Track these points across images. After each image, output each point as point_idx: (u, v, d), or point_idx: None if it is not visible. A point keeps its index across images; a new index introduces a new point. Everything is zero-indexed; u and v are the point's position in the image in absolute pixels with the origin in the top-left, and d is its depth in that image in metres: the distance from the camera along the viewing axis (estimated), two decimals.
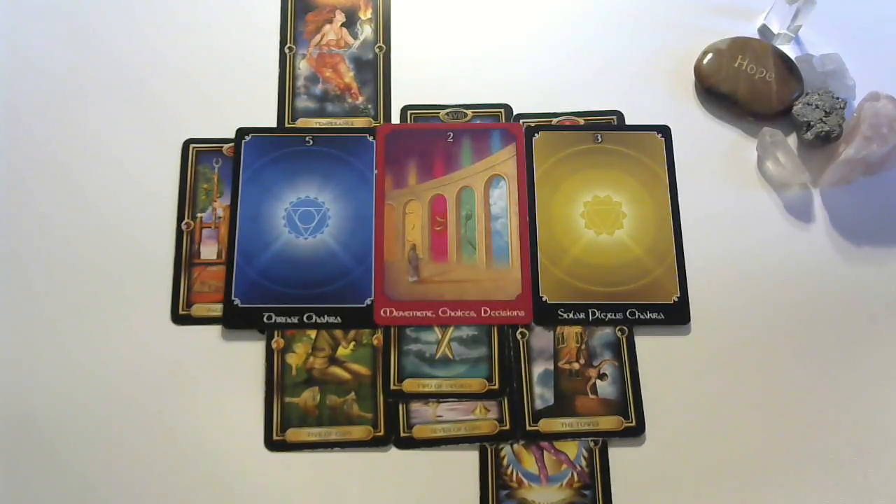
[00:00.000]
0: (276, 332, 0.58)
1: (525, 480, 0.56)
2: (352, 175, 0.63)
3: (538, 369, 0.58)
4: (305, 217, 0.61)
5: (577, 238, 0.61)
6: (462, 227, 0.62)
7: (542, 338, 0.59)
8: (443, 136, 0.64)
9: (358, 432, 0.56)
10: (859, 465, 0.56)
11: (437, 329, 0.59)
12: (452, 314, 0.59)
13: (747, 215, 0.63)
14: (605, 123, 0.65)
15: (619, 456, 0.56)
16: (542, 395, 0.57)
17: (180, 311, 0.59)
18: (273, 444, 0.56)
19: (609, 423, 0.57)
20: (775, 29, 0.68)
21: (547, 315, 0.59)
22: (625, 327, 0.59)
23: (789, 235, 0.62)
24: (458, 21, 0.69)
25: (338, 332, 0.59)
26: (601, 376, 0.58)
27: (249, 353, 0.58)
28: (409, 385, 0.57)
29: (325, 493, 0.55)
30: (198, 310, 0.59)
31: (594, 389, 0.58)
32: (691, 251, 0.61)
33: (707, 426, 0.57)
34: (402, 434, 0.56)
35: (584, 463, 0.56)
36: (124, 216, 0.62)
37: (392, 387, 0.57)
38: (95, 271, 0.60)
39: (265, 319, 0.58)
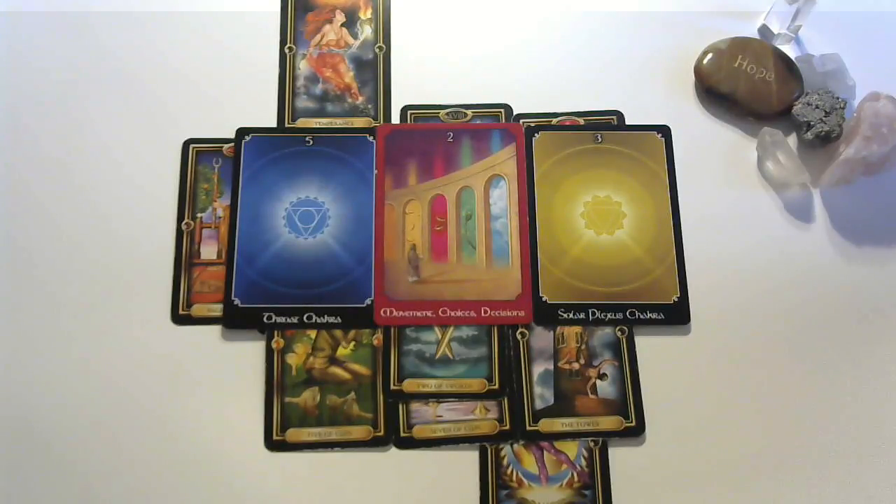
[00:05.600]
0: (276, 332, 0.58)
1: (525, 480, 0.56)
2: (352, 175, 0.63)
3: (538, 369, 0.58)
4: (305, 217, 0.61)
5: (577, 238, 0.61)
6: (462, 227, 0.62)
7: (542, 338, 0.59)
8: (443, 136, 0.64)
9: (358, 432, 0.56)
10: (860, 465, 0.56)
11: (437, 329, 0.59)
12: (452, 314, 0.59)
13: (747, 215, 0.63)
14: (605, 123, 0.65)
15: (619, 456, 0.56)
16: (542, 395, 0.57)
17: (180, 311, 0.59)
18: (273, 444, 0.56)
19: (609, 423, 0.57)
20: (775, 29, 0.68)
21: (547, 315, 0.59)
22: (625, 327, 0.59)
23: (789, 235, 0.62)
24: (458, 21, 0.69)
25: (338, 332, 0.59)
26: (601, 376, 0.58)
27: (249, 353, 0.58)
28: (409, 385, 0.57)
29: (325, 493, 0.55)
30: (198, 310, 0.59)
31: (594, 389, 0.58)
32: (691, 251, 0.61)
33: (707, 426, 0.57)
34: (402, 434, 0.56)
35: (584, 463, 0.56)
36: (124, 216, 0.62)
37: (392, 387, 0.57)
38: (95, 271, 0.60)
39: (265, 319, 0.58)
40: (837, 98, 0.64)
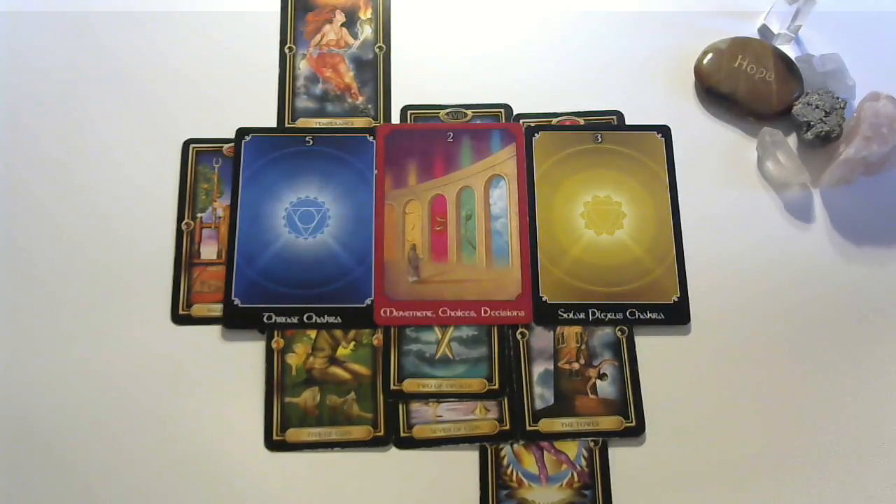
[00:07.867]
0: (276, 332, 0.58)
1: (525, 480, 0.56)
2: (352, 175, 0.63)
3: (538, 369, 0.58)
4: (305, 217, 0.61)
5: (577, 238, 0.61)
6: (462, 227, 0.62)
7: (542, 338, 0.59)
8: (443, 136, 0.64)
9: (358, 432, 0.56)
10: (860, 465, 0.56)
11: (437, 329, 0.59)
12: (452, 314, 0.59)
13: (747, 215, 0.63)
14: (605, 123, 0.65)
15: (619, 456, 0.56)
16: (542, 395, 0.57)
17: (180, 311, 0.59)
18: (273, 444, 0.56)
19: (609, 423, 0.57)
20: (775, 29, 0.68)
21: (547, 315, 0.59)
22: (625, 327, 0.59)
23: (789, 235, 0.62)
24: (458, 21, 0.69)
25: (338, 332, 0.59)
26: (601, 376, 0.58)
27: (249, 353, 0.58)
28: (409, 385, 0.57)
29: (325, 493, 0.55)
30: (198, 310, 0.59)
31: (594, 389, 0.58)
32: (691, 251, 0.61)
33: (707, 426, 0.57)
34: (402, 434, 0.56)
35: (584, 463, 0.56)
36: (124, 216, 0.62)
37: (392, 387, 0.57)
38: (95, 271, 0.60)
39: (265, 319, 0.58)
40: (837, 98, 0.64)
